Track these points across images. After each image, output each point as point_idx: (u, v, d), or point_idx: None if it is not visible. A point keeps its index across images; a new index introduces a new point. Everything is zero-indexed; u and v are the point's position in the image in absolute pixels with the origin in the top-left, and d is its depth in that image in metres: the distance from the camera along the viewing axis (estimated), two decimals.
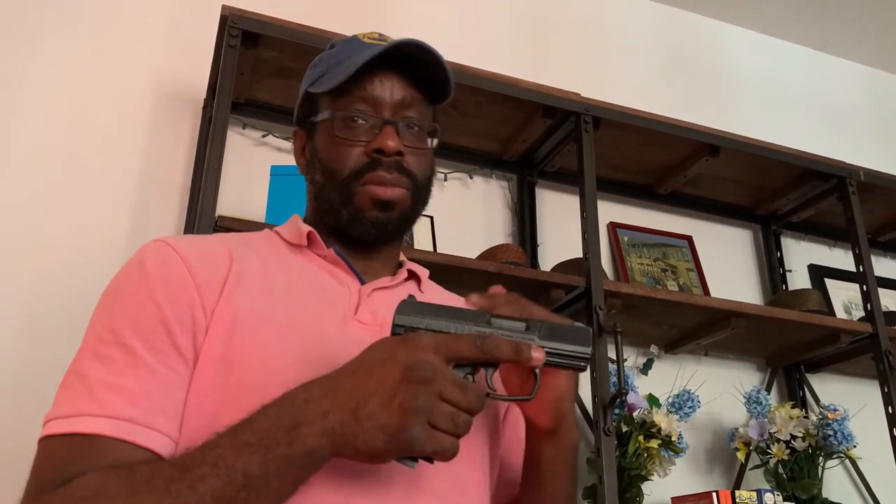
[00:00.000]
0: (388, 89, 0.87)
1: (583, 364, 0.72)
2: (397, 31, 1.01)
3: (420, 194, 0.90)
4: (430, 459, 0.65)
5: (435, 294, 0.97)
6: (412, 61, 0.88)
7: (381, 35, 0.92)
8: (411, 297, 0.72)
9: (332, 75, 0.88)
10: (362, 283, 0.87)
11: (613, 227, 2.17)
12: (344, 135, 0.86)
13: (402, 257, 0.97)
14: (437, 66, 0.88)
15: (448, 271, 1.55)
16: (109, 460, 0.67)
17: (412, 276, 0.94)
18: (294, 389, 0.66)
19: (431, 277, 1.00)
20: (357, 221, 0.86)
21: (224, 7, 1.56)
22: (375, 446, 0.62)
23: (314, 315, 0.80)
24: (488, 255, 1.76)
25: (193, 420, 0.72)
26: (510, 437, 0.94)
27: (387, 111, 0.87)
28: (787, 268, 2.34)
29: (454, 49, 1.81)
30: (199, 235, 0.99)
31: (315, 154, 0.90)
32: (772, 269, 2.33)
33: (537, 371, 0.72)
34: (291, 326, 0.77)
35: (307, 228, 0.89)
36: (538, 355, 0.69)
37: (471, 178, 2.06)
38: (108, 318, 0.74)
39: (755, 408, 1.87)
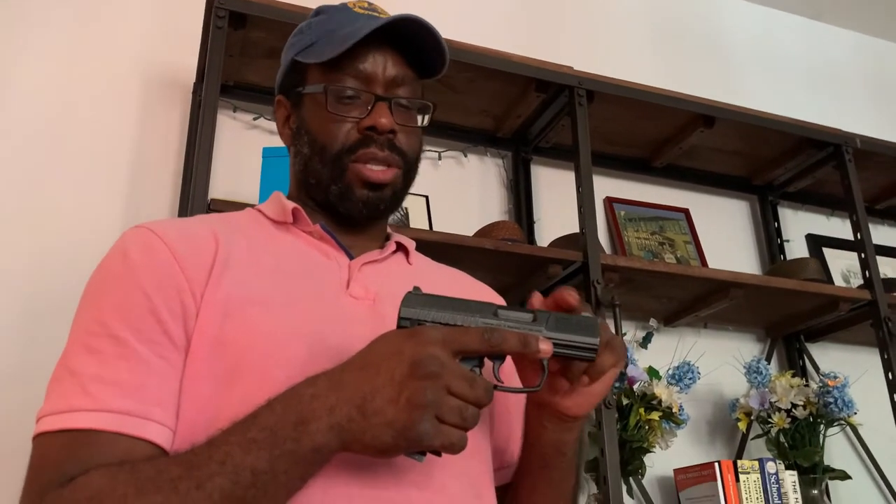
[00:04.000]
0: (382, 66, 0.87)
1: (591, 355, 0.71)
2: (387, 5, 1.00)
3: (411, 173, 0.91)
4: (437, 453, 0.65)
5: (424, 265, 0.96)
6: (405, 36, 0.87)
7: (370, 4, 0.91)
8: (416, 288, 0.71)
9: (324, 46, 0.87)
10: (351, 257, 0.86)
11: (610, 202, 2.16)
12: (336, 110, 0.86)
13: (388, 229, 0.96)
14: (433, 43, 0.88)
15: (445, 249, 1.54)
16: (108, 455, 0.66)
17: (400, 248, 0.94)
18: (299, 384, 0.66)
19: (429, 256, 1.00)
20: (346, 199, 0.86)
21: None
22: (383, 442, 0.62)
23: (305, 293, 0.79)
24: (485, 232, 1.75)
25: (189, 406, 0.71)
26: (501, 426, 0.92)
27: (379, 88, 0.86)
28: (784, 238, 2.33)
29: (444, 24, 1.78)
30: (181, 219, 0.97)
31: (303, 126, 0.89)
32: (769, 240, 2.33)
33: (545, 362, 0.71)
34: (283, 306, 0.76)
35: (292, 205, 0.88)
36: (546, 347, 0.68)
37: (465, 156, 2.05)
38: (95, 310, 0.73)
39: (755, 378, 1.87)
